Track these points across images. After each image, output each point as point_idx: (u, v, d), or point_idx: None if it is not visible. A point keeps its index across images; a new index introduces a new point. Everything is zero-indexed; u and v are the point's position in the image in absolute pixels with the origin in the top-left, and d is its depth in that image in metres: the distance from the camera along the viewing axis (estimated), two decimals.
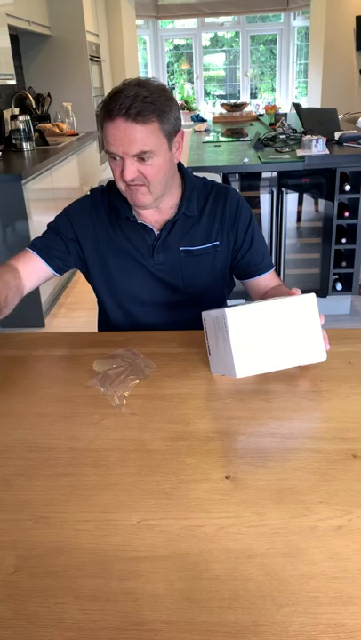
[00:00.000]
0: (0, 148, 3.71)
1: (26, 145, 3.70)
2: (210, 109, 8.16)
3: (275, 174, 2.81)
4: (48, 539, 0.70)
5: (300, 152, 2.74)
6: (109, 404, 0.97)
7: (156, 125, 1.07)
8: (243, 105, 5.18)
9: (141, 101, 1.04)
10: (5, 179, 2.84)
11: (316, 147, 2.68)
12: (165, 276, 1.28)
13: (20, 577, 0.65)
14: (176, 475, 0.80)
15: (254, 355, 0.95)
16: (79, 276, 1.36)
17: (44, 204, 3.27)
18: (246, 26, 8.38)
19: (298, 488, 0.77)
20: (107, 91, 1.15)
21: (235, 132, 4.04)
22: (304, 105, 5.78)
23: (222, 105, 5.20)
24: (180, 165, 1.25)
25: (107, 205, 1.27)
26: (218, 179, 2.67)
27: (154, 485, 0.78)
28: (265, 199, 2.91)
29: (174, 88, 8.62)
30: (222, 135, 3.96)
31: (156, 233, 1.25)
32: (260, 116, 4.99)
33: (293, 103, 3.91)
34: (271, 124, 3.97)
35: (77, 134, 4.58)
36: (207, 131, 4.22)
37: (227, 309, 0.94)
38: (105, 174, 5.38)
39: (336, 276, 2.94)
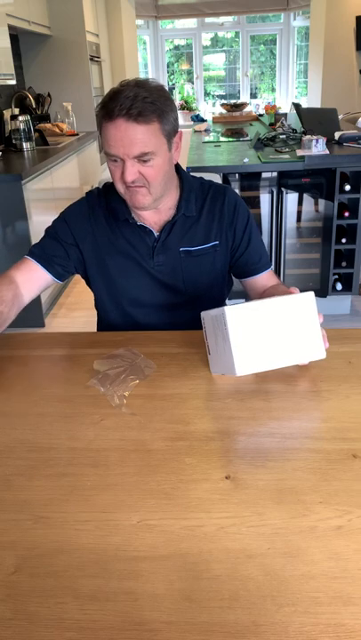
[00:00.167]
0: (0, 147, 3.71)
1: (26, 145, 3.70)
2: (210, 109, 8.16)
3: (275, 174, 2.81)
4: (48, 539, 0.70)
5: (300, 152, 2.74)
6: (109, 404, 0.97)
7: (156, 126, 1.07)
8: (243, 105, 5.18)
9: (142, 101, 1.03)
10: (5, 179, 2.84)
11: (316, 147, 2.68)
12: (165, 277, 1.27)
13: (20, 577, 0.65)
14: (176, 475, 0.80)
15: (254, 353, 0.95)
16: (79, 276, 1.36)
17: (44, 204, 3.27)
18: (246, 26, 8.38)
19: (298, 488, 0.77)
20: (107, 91, 1.14)
21: (235, 132, 4.04)
22: (304, 105, 5.78)
23: (222, 105, 5.20)
24: (177, 166, 1.24)
25: (104, 208, 1.26)
26: (218, 179, 2.67)
27: (154, 485, 0.78)
28: (265, 199, 2.91)
29: (174, 88, 8.62)
30: (222, 135, 3.96)
31: (156, 234, 1.25)
32: (260, 116, 4.99)
33: (293, 103, 3.91)
34: (271, 124, 3.97)
35: (77, 134, 4.58)
36: (207, 131, 4.22)
37: (226, 308, 0.94)
38: (105, 174, 5.38)
39: (336, 276, 2.94)
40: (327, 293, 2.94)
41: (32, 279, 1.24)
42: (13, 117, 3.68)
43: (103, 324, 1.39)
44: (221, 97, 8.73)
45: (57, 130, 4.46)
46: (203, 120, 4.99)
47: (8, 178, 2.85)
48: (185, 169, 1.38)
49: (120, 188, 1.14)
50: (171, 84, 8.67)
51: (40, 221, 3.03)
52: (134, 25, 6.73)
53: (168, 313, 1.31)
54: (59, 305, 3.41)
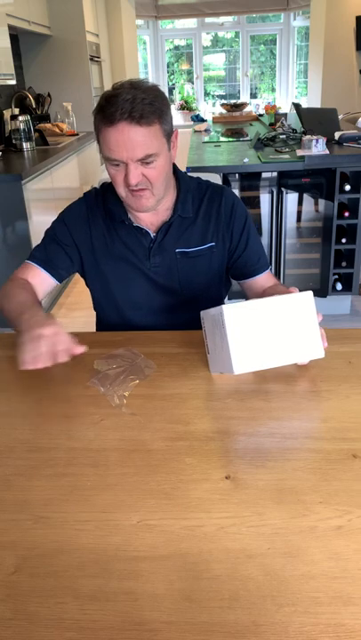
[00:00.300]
0: (0, 147, 3.71)
1: (26, 145, 3.70)
2: (210, 109, 8.15)
3: (275, 174, 2.81)
4: (48, 539, 0.70)
5: (300, 152, 2.74)
6: (109, 404, 0.97)
7: (157, 127, 1.06)
8: (243, 105, 5.17)
9: (141, 103, 1.02)
10: (5, 179, 2.84)
11: (316, 147, 2.68)
12: (162, 278, 1.27)
13: (20, 577, 0.65)
14: (176, 475, 0.80)
15: (252, 351, 0.95)
16: (79, 276, 1.37)
17: (44, 204, 3.27)
18: (246, 26, 8.38)
19: (298, 488, 0.77)
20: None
21: (235, 132, 4.04)
22: (304, 105, 5.78)
23: (222, 105, 5.19)
24: (173, 166, 1.24)
25: (102, 209, 1.26)
26: (218, 179, 2.67)
27: (154, 485, 0.78)
28: (265, 199, 2.91)
29: (174, 88, 8.61)
30: (222, 135, 3.96)
31: (152, 235, 1.25)
32: (260, 116, 4.99)
33: (293, 103, 3.91)
34: (271, 124, 3.97)
35: (77, 134, 4.59)
36: (207, 131, 4.22)
37: (224, 306, 0.94)
38: (105, 174, 5.37)
39: (336, 276, 2.94)
40: (327, 293, 2.94)
41: (40, 284, 1.25)
42: (13, 117, 3.68)
43: (101, 325, 1.39)
44: (221, 97, 8.72)
45: (57, 130, 4.46)
46: (203, 120, 4.98)
47: (8, 178, 2.85)
48: (185, 169, 1.38)
49: (122, 192, 1.13)
50: (171, 84, 8.66)
51: (40, 221, 3.03)
52: (134, 25, 6.73)
53: (165, 314, 1.31)
54: (59, 305, 3.41)
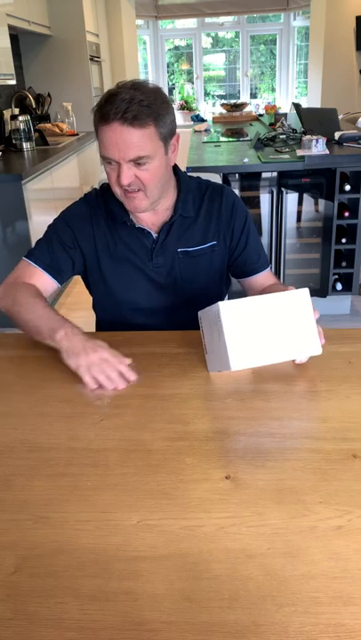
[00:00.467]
0: (0, 147, 3.71)
1: (26, 145, 3.70)
2: (210, 109, 8.15)
3: (275, 174, 2.81)
4: (48, 539, 0.70)
5: (300, 152, 2.74)
6: (109, 404, 0.97)
7: (152, 129, 1.06)
8: (243, 105, 5.17)
9: (138, 105, 1.02)
10: (5, 179, 2.84)
11: (316, 147, 2.68)
12: (163, 278, 1.27)
13: (20, 577, 0.65)
14: (176, 475, 0.80)
15: (249, 347, 0.95)
16: (79, 276, 1.37)
17: (44, 204, 3.27)
18: (246, 26, 8.37)
19: (298, 488, 0.77)
20: (106, 91, 1.13)
21: (235, 132, 4.04)
22: (304, 105, 5.78)
23: (222, 105, 5.19)
24: (174, 166, 1.24)
25: (103, 210, 1.26)
26: (218, 179, 2.67)
27: (154, 485, 0.78)
28: (265, 199, 2.91)
29: (174, 88, 8.61)
30: (222, 135, 3.96)
31: (154, 236, 1.25)
32: (260, 116, 4.99)
33: (293, 103, 3.91)
34: (271, 124, 3.97)
35: (77, 134, 4.58)
36: (207, 131, 4.22)
37: (220, 303, 0.95)
38: (104, 174, 5.37)
39: (336, 276, 2.94)
40: (327, 293, 2.94)
41: (44, 287, 1.25)
42: (13, 117, 3.68)
43: (101, 325, 1.39)
44: (221, 97, 8.72)
45: (57, 130, 4.46)
46: (203, 120, 4.98)
47: (8, 178, 2.85)
48: (185, 169, 1.38)
49: (117, 190, 1.14)
50: (171, 84, 8.66)
51: (40, 221, 3.03)
52: (134, 25, 6.73)
53: (166, 314, 1.31)
54: (59, 305, 3.41)
